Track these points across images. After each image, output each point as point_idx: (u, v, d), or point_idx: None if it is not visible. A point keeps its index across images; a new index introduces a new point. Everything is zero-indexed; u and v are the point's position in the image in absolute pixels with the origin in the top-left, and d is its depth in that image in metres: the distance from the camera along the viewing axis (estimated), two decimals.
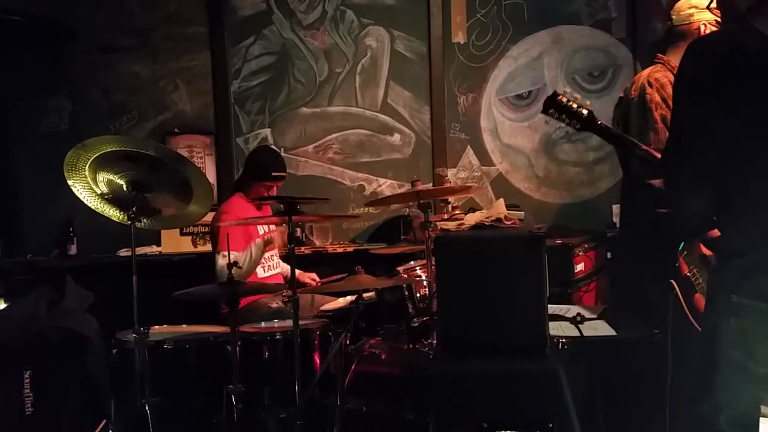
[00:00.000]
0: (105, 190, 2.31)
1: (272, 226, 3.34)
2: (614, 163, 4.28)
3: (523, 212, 3.80)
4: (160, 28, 4.16)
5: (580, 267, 3.32)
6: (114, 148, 2.18)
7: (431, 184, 4.19)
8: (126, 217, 2.29)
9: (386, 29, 4.26)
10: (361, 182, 4.27)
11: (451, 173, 4.25)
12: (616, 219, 4.18)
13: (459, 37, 4.28)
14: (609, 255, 3.87)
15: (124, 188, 2.28)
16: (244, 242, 3.14)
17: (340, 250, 3.80)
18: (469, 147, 4.30)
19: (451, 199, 3.73)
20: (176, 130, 4.15)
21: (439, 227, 2.18)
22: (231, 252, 3.00)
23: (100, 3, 4.13)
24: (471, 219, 1.97)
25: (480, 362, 1.78)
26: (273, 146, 4.11)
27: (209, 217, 3.06)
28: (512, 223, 2.03)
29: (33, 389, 2.91)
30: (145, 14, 4.15)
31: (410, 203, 3.66)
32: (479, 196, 4.22)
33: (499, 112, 4.32)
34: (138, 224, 2.35)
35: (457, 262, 1.72)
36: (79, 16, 4.09)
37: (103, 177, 2.29)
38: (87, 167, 2.24)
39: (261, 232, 3.29)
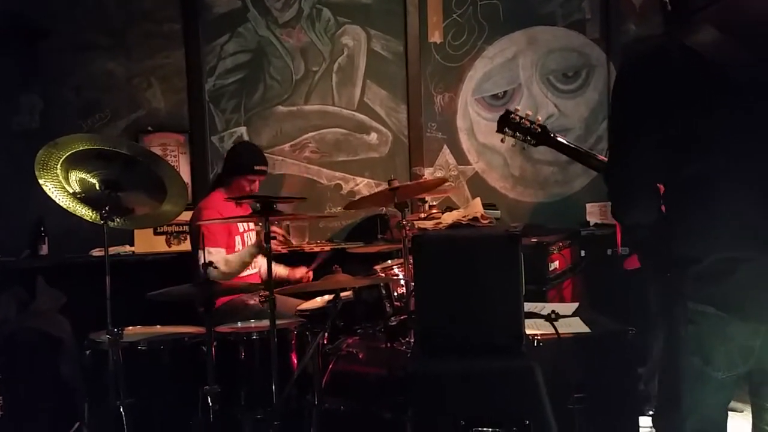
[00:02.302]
0: (77, 189, 2.28)
1: (251, 225, 3.32)
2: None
3: (499, 211, 3.83)
4: (134, 25, 4.10)
5: (555, 265, 3.35)
6: (86, 147, 2.14)
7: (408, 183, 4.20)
8: (99, 217, 2.25)
9: (363, 28, 4.25)
10: (338, 181, 4.26)
11: (427, 172, 4.27)
12: (590, 218, 4.25)
13: (435, 37, 4.30)
14: (583, 253, 3.93)
15: (97, 187, 2.24)
16: (226, 238, 3.11)
17: (317, 249, 3.79)
18: (445, 146, 4.32)
19: (428, 198, 3.74)
20: (150, 128, 4.09)
21: (416, 226, 2.18)
22: (213, 248, 2.99)
23: (74, 0, 4.04)
24: (448, 218, 1.98)
25: (457, 360, 1.79)
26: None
27: (184, 216, 3.03)
28: (489, 222, 2.05)
29: (4, 392, 2.86)
30: (119, 11, 4.08)
31: (387, 203, 3.66)
32: (456, 196, 4.25)
33: (475, 112, 4.35)
34: (111, 224, 2.32)
35: (434, 261, 1.73)
36: (52, 12, 4.00)
37: (75, 176, 2.25)
38: (59, 166, 2.20)
39: (241, 230, 3.27)
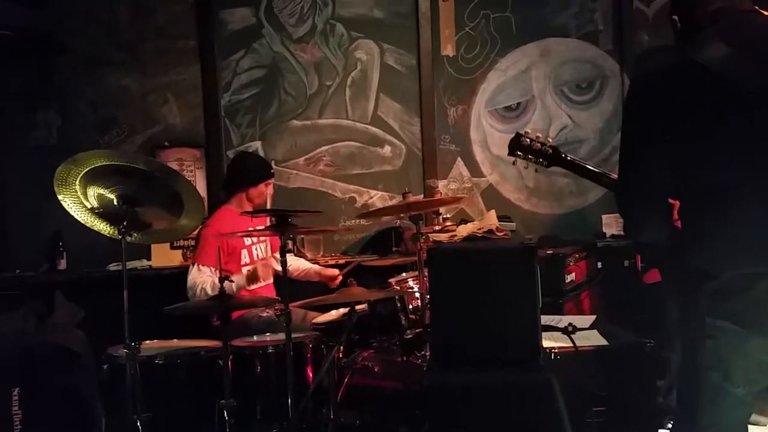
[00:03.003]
0: (95, 204, 2.30)
1: (260, 253, 3.30)
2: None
3: (514, 223, 3.81)
4: (150, 41, 4.16)
5: (571, 277, 3.33)
6: (104, 163, 2.17)
7: (422, 196, 4.21)
8: (117, 232, 2.28)
9: (376, 42, 4.28)
10: (352, 194, 4.27)
11: (441, 185, 4.27)
12: (606, 229, 4.22)
13: (448, 50, 4.31)
14: (600, 265, 3.89)
15: (115, 203, 2.26)
16: (224, 257, 3.09)
17: (332, 262, 3.79)
18: (459, 158, 4.32)
19: (442, 210, 3.75)
20: (166, 143, 4.13)
21: (431, 239, 2.18)
22: (204, 266, 3.00)
23: (89, 16, 4.12)
24: (463, 231, 1.97)
25: (474, 374, 1.78)
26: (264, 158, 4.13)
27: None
28: (504, 235, 2.04)
29: (21, 406, 2.88)
30: (135, 28, 4.15)
31: (401, 215, 3.67)
32: (470, 208, 4.24)
33: (489, 124, 4.35)
34: (128, 238, 2.34)
35: (449, 274, 1.73)
36: (68, 29, 4.08)
37: (93, 191, 2.28)
38: (77, 182, 2.23)
39: (248, 243, 3.26)
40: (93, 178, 2.23)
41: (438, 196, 4.04)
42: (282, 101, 4.24)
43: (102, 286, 3.59)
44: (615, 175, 2.10)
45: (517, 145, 2.14)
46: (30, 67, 4.05)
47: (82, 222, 2.38)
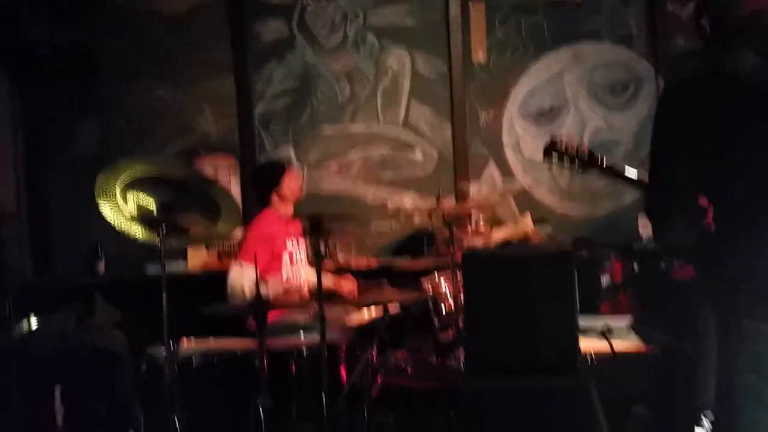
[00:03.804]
0: (134, 211, 2.36)
1: (300, 257, 3.35)
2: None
3: (549, 226, 3.77)
4: (184, 54, 4.25)
5: (606, 279, 3.29)
6: (144, 171, 2.23)
7: (454, 200, 4.20)
8: (155, 238, 2.33)
9: (407, 50, 4.31)
10: (384, 199, 4.29)
11: (473, 188, 4.26)
12: (642, 231, 4.15)
13: (479, 56, 4.31)
14: (636, 267, 3.83)
15: (154, 210, 2.32)
16: (266, 255, 3.14)
17: (364, 265, 3.81)
18: (491, 162, 4.31)
19: (475, 215, 3.73)
20: (201, 151, 4.22)
21: (465, 244, 2.17)
22: (246, 263, 3.04)
23: (125, 32, 4.23)
24: (497, 235, 1.97)
25: (510, 379, 1.77)
26: (297, 163, 4.19)
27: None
28: (539, 240, 2.03)
29: (64, 404, 2.97)
30: (169, 41, 4.25)
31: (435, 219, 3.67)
32: (502, 211, 4.21)
33: (521, 128, 4.33)
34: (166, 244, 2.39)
35: (485, 280, 1.73)
36: (106, 43, 4.20)
37: (132, 198, 2.34)
38: (117, 189, 2.29)
39: (289, 248, 3.31)
40: (132, 185, 2.29)
41: (469, 200, 4.04)
42: (314, 109, 4.30)
43: (139, 288, 3.66)
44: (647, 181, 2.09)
45: (551, 150, 2.13)
46: (70, 82, 4.18)
47: (121, 229, 2.43)
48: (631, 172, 2.15)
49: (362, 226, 4.13)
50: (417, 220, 4.07)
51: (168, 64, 4.25)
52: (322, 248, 3.90)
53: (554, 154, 2.16)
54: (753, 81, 1.57)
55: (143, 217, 2.39)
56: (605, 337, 2.45)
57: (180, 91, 4.26)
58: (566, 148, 2.13)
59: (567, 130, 4.32)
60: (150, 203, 2.35)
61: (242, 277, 3.01)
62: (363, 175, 4.29)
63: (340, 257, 3.97)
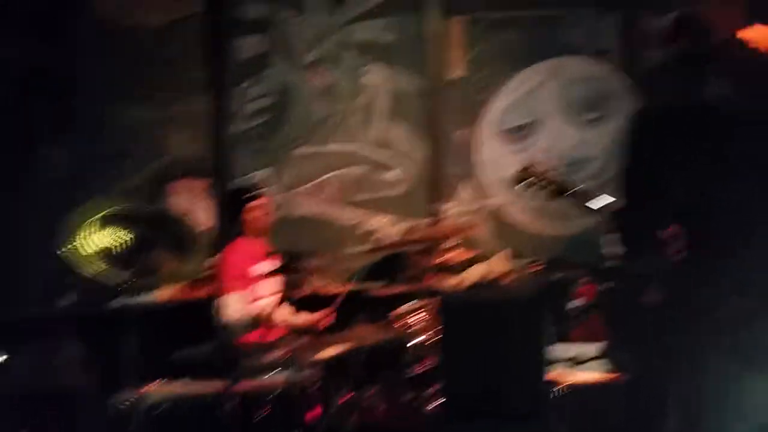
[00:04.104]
0: (104, 249, 2.33)
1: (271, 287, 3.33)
2: (611, 191, 4.28)
3: (523, 261, 3.68)
4: (158, 73, 4.19)
5: (578, 302, 3.29)
6: (114, 212, 2.20)
7: (429, 219, 4.20)
8: (127, 277, 2.30)
9: (385, 66, 4.28)
10: (358, 220, 4.27)
11: (447, 207, 4.26)
12: (606, 251, 4.16)
13: (457, 72, 4.30)
14: (606, 286, 3.85)
15: (123, 249, 2.29)
16: (243, 283, 3.11)
17: (336, 291, 3.78)
18: (465, 181, 4.31)
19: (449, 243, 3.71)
20: (175, 174, 4.16)
21: (441, 283, 2.16)
22: (233, 293, 3.01)
23: (100, 51, 4.16)
24: (473, 274, 1.96)
25: (482, 426, 1.77)
26: (271, 186, 4.16)
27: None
28: (512, 280, 2.03)
29: None
30: (144, 59, 4.19)
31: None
32: (476, 233, 4.19)
33: (496, 145, 4.34)
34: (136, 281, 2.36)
35: (460, 325, 1.73)
36: (78, 62, 4.12)
37: (101, 238, 2.30)
38: (87, 229, 2.25)
39: (261, 271, 3.28)
40: (103, 225, 2.25)
41: (444, 221, 4.04)
42: (290, 129, 4.26)
43: (109, 323, 3.58)
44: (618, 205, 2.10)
45: (523, 176, 2.14)
46: (39, 100, 4.10)
47: (91, 268, 2.39)
48: (601, 201, 2.15)
49: (336, 250, 4.11)
50: (392, 243, 4.06)
51: (143, 83, 4.18)
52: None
53: (525, 181, 2.16)
54: (722, 109, 1.58)
55: (112, 257, 2.36)
56: (578, 368, 2.46)
57: (154, 112, 4.20)
58: (538, 176, 2.14)
59: (541, 146, 4.33)
60: (120, 242, 2.32)
61: (232, 311, 2.96)
62: (337, 197, 4.26)
63: (314, 282, 3.94)
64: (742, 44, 1.76)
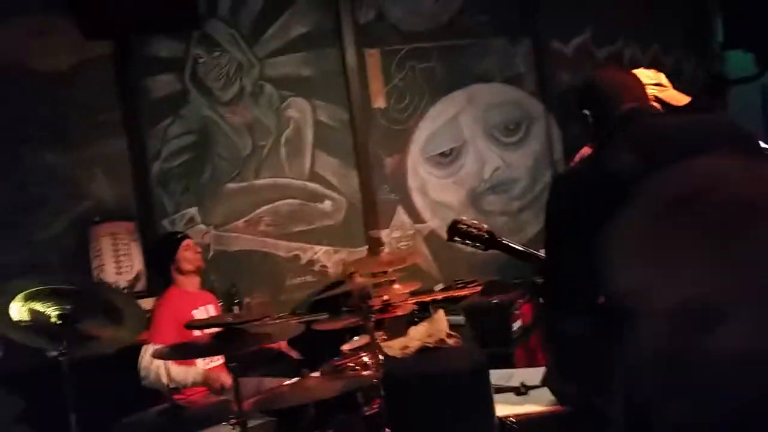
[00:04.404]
0: (31, 323, 2.22)
1: (212, 312, 3.30)
2: (537, 210, 4.49)
3: (462, 317, 3.62)
4: (72, 115, 4.01)
5: (517, 324, 3.43)
6: (37, 289, 2.10)
7: (366, 248, 4.24)
8: (58, 351, 2.20)
9: (307, 99, 4.29)
10: (296, 252, 4.25)
11: (384, 234, 4.31)
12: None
13: (379, 102, 4.37)
14: (540, 301, 4.01)
15: (53, 321, 2.19)
16: (175, 335, 3.04)
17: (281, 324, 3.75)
18: (399, 207, 4.38)
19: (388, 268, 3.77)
20: (97, 219, 3.99)
21: (384, 350, 2.20)
22: (158, 345, 2.93)
23: (7, 94, 3.93)
24: (415, 337, 2.01)
25: None
26: (202, 224, 4.08)
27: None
28: (455, 342, 2.09)
29: None
30: (55, 103, 3.99)
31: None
32: (416, 260, 4.26)
33: (425, 171, 4.44)
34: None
35: (405, 400, 1.76)
36: None
37: (28, 311, 2.19)
38: (12, 305, 2.14)
39: (195, 313, 3.22)
40: (28, 299, 2.15)
41: (382, 249, 4.09)
42: (215, 165, 4.18)
43: (42, 376, 3.42)
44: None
45: (455, 231, 2.24)
46: None
47: (18, 336, 2.28)
48: (528, 249, 2.28)
49: (276, 283, 4.07)
50: (332, 272, 4.08)
51: (56, 127, 3.98)
52: (236, 311, 3.86)
53: (458, 235, 2.27)
54: (630, 181, 1.67)
55: (43, 328, 2.25)
56: (521, 395, 2.55)
57: (71, 155, 4.00)
58: (468, 229, 2.24)
59: (468, 169, 4.47)
60: (48, 312, 2.22)
61: (157, 364, 2.89)
62: (273, 230, 4.23)
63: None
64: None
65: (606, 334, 1.78)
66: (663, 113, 1.87)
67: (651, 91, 2.35)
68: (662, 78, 2.53)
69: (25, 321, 2.21)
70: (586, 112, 1.87)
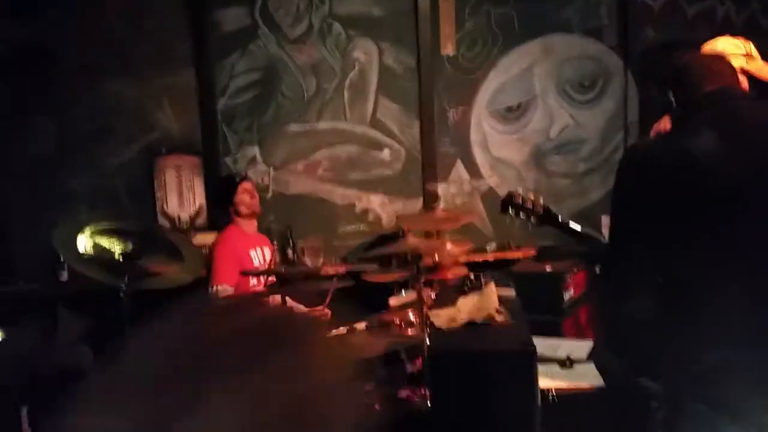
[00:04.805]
0: (97, 256, 2.32)
1: (266, 256, 3.37)
2: (604, 174, 4.31)
3: (513, 290, 3.65)
4: (143, 45, 4.06)
5: (569, 293, 3.35)
6: (105, 225, 2.18)
7: (421, 200, 4.20)
8: (121, 283, 2.30)
9: (374, 41, 4.19)
10: (351, 199, 4.26)
11: (441, 188, 4.25)
12: (605, 230, 4.22)
13: (448, 49, 4.22)
14: (597, 270, 3.91)
15: (116, 256, 2.28)
16: (236, 275, 3.15)
17: (332, 272, 3.81)
18: (459, 161, 4.29)
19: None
20: (163, 150, 4.09)
21: (431, 319, 2.18)
22: (221, 286, 3.05)
23: (80, 24, 4.00)
24: (464, 309, 1.98)
25: None
26: (262, 164, 4.12)
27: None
28: (504, 319, 2.05)
29: (31, 424, 2.97)
30: (126, 32, 4.04)
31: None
32: (471, 220, 4.19)
33: (489, 125, 4.30)
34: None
35: (448, 375, 1.75)
36: (60, 36, 3.97)
37: (95, 244, 2.29)
38: (79, 239, 2.24)
39: (256, 263, 3.30)
40: (94, 235, 2.24)
41: (438, 202, 4.04)
42: (279, 105, 4.18)
43: (106, 297, 3.62)
44: (602, 239, 2.14)
45: (509, 204, 2.17)
46: (24, 78, 3.97)
47: (86, 271, 2.39)
48: (584, 230, 2.19)
49: (329, 228, 4.11)
50: (385, 223, 4.08)
51: (126, 58, 4.05)
52: (290, 254, 3.93)
53: (512, 207, 2.20)
54: (708, 163, 1.61)
55: (106, 262, 2.35)
56: (565, 367, 2.52)
57: (139, 87, 4.08)
58: (523, 203, 2.17)
59: (534, 126, 4.31)
60: (112, 248, 2.31)
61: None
62: (330, 175, 4.23)
63: (308, 262, 3.97)
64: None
65: (665, 316, 1.74)
66: (749, 97, 1.74)
67: (738, 62, 2.17)
68: (751, 48, 2.33)
69: (90, 254, 2.30)
70: (671, 93, 1.78)
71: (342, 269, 3.84)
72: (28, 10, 3.88)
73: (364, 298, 3.26)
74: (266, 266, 3.38)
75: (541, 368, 2.28)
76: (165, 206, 4.03)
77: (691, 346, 1.61)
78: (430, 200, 4.16)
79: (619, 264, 1.79)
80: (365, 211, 4.23)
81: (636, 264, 1.77)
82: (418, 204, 4.22)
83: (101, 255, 2.28)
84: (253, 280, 3.25)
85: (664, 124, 2.40)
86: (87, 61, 4.01)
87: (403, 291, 3.25)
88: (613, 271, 1.82)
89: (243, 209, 3.32)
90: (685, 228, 1.63)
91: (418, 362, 2.63)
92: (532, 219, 2.12)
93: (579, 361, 2.65)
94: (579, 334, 3.25)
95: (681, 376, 1.64)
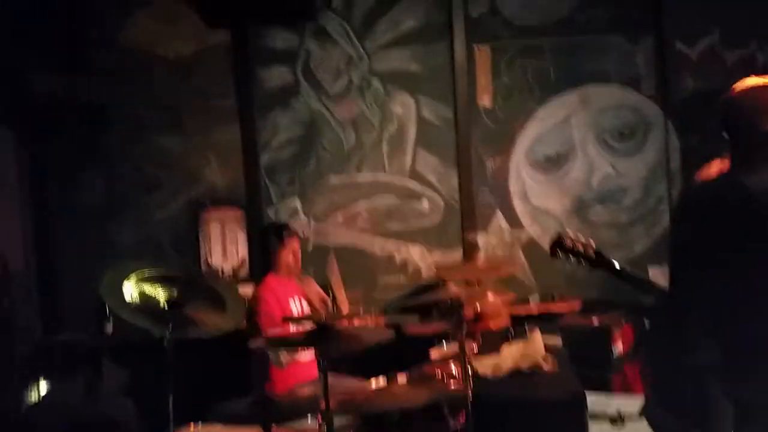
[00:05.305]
0: (141, 304, 2.35)
1: (305, 305, 3.38)
2: (649, 224, 4.22)
3: (560, 338, 3.34)
4: (189, 101, 4.23)
5: (618, 348, 3.24)
6: (150, 273, 2.22)
7: (461, 251, 4.17)
8: (164, 332, 2.32)
9: (412, 95, 4.27)
10: (391, 250, 4.26)
11: (480, 238, 4.22)
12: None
13: (485, 101, 4.26)
14: (647, 324, 3.77)
15: (161, 304, 2.31)
16: (279, 320, 3.13)
17: (371, 324, 3.78)
18: (498, 211, 4.26)
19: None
20: (207, 203, 4.19)
21: (475, 367, 2.13)
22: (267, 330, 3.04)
23: (128, 80, 4.21)
24: (508, 357, 1.93)
25: None
26: (303, 216, 4.18)
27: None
28: (551, 367, 1.99)
29: None
30: (174, 88, 4.23)
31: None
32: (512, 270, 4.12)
33: (528, 175, 4.29)
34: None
35: (495, 425, 1.69)
36: (109, 92, 4.18)
37: (139, 293, 2.33)
38: (125, 287, 2.28)
39: (295, 312, 3.31)
40: (139, 281, 2.28)
41: (478, 253, 4.00)
42: (320, 158, 4.27)
43: (148, 350, 3.64)
44: (659, 285, 2.06)
45: (559, 247, 2.10)
46: (75, 133, 4.17)
47: (130, 320, 2.43)
48: (646, 278, 2.12)
49: (368, 280, 4.10)
50: (425, 274, 4.05)
51: (173, 112, 4.23)
52: (329, 304, 3.92)
53: (561, 251, 2.13)
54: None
55: (152, 310, 2.38)
56: (616, 426, 2.42)
57: (186, 140, 4.24)
58: (573, 246, 2.09)
59: (575, 176, 4.27)
60: (157, 296, 2.34)
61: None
62: (369, 227, 4.25)
63: (344, 309, 3.94)
64: None
65: (725, 368, 1.66)
66: None
67: None
68: None
69: (135, 302, 2.34)
70: (726, 136, 1.77)
71: (380, 321, 3.81)
72: (79, 67, 4.11)
73: (404, 350, 3.22)
74: (304, 315, 3.39)
75: (592, 426, 2.19)
76: (209, 258, 4.10)
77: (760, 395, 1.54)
78: (470, 251, 4.13)
79: (684, 311, 1.71)
80: (405, 263, 4.22)
81: (703, 310, 1.70)
82: (457, 255, 4.19)
83: (147, 302, 2.31)
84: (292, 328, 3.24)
85: (714, 168, 2.35)
86: (136, 116, 4.19)
87: (444, 343, 3.18)
88: (677, 319, 1.73)
89: (284, 265, 3.33)
90: (753, 271, 1.59)
91: (461, 417, 2.55)
92: (584, 263, 2.05)
93: (630, 418, 2.54)
94: (627, 390, 3.11)
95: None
